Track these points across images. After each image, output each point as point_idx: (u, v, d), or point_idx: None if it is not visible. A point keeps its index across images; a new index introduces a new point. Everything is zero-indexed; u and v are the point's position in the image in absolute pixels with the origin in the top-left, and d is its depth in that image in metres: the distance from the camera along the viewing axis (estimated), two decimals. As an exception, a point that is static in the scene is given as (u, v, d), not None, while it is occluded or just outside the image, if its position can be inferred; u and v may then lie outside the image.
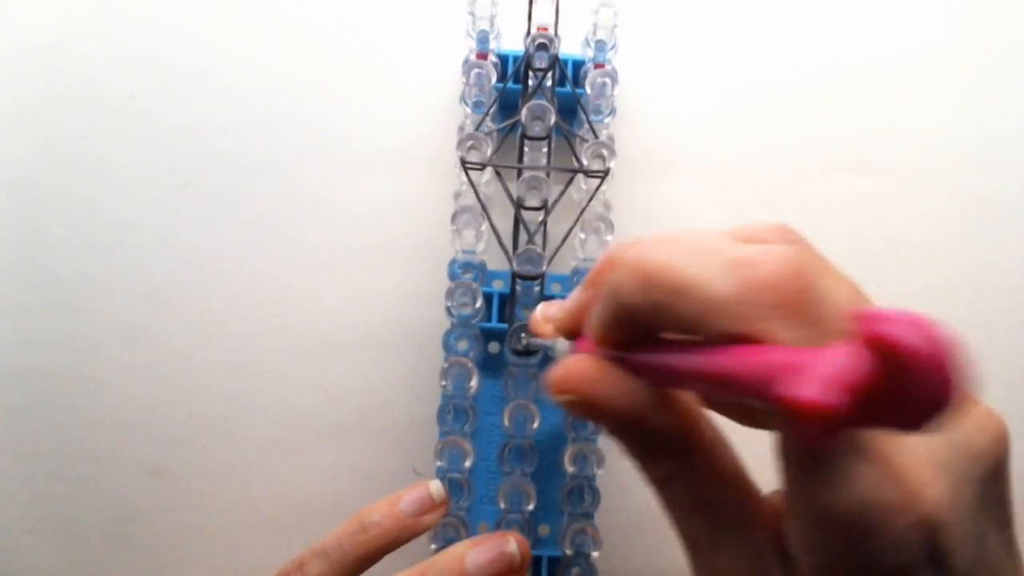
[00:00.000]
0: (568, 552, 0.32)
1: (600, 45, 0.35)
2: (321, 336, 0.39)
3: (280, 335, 0.39)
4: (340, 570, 0.29)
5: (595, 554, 0.32)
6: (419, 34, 0.40)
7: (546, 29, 0.33)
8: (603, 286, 0.19)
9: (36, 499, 0.39)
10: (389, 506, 0.31)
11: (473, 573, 0.27)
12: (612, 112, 0.36)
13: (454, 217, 0.33)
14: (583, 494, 0.33)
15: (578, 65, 0.37)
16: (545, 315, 0.27)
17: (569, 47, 0.36)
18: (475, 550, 0.28)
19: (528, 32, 0.34)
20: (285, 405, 0.39)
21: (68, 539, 0.39)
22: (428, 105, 0.39)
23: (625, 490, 0.37)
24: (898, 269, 0.39)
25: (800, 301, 0.16)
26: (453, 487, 0.33)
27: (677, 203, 0.40)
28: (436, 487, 0.31)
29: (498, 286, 0.36)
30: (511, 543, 0.28)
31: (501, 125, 0.35)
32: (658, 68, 0.40)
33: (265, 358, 0.39)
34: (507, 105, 0.36)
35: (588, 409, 0.19)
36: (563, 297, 0.30)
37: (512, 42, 0.36)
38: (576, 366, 0.19)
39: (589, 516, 0.33)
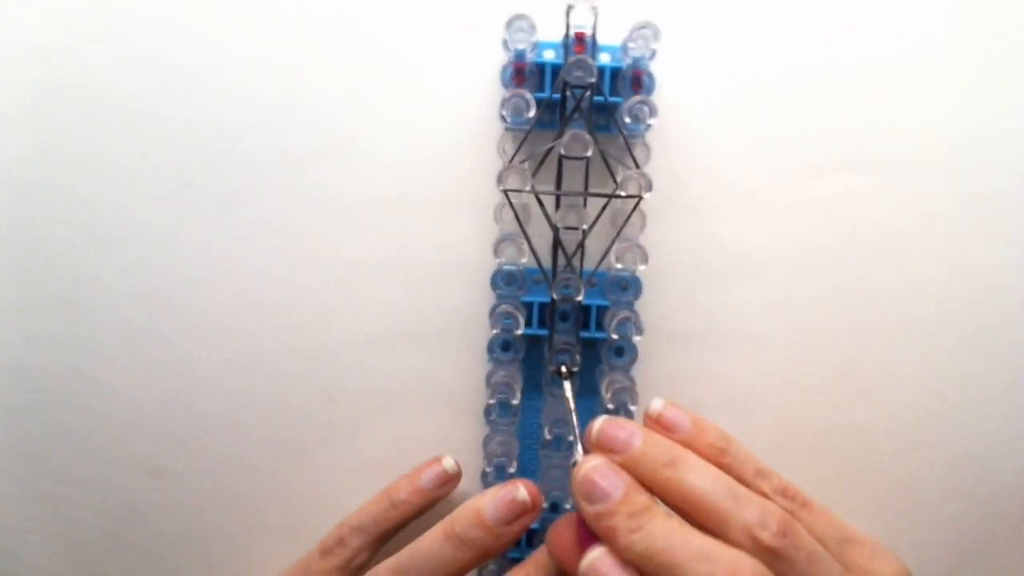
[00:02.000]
0: None
1: (637, 56, 0.35)
2: (321, 337, 0.39)
3: (281, 335, 0.38)
4: (376, 541, 0.35)
5: None
6: (446, 36, 0.38)
7: (584, 33, 0.34)
8: None
9: (36, 499, 0.39)
10: (411, 483, 0.35)
11: (491, 518, 0.31)
12: (647, 127, 0.36)
13: (497, 245, 0.35)
14: None
15: (615, 71, 0.37)
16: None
17: (603, 37, 0.36)
18: (490, 500, 0.32)
19: (566, 34, 0.34)
20: (285, 405, 0.39)
21: (68, 539, 0.40)
22: (451, 106, 0.38)
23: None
24: (898, 269, 0.39)
25: None
26: (500, 472, 0.37)
27: (705, 210, 0.40)
28: (450, 463, 0.36)
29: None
30: (521, 490, 0.32)
31: (538, 150, 0.36)
32: (688, 79, 0.39)
33: (266, 358, 0.39)
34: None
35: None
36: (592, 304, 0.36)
37: (545, 38, 0.36)
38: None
39: None
